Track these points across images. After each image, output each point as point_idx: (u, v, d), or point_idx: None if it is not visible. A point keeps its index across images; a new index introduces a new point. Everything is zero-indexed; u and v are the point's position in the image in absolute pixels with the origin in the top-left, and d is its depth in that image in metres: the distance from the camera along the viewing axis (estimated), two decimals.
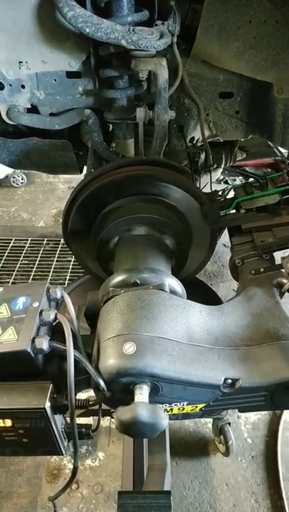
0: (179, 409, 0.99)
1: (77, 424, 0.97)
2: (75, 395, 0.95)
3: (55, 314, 0.97)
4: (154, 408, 0.82)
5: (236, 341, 0.99)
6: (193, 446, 2.23)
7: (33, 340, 0.90)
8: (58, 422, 0.97)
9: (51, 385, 0.93)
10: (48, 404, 0.90)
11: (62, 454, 1.03)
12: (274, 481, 2.06)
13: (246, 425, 2.31)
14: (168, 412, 1.00)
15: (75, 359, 0.90)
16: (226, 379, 0.92)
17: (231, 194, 1.45)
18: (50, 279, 3.18)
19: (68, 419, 0.97)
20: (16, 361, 0.91)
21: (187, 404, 0.97)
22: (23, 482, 2.05)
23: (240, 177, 3.65)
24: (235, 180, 3.88)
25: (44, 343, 0.90)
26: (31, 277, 3.21)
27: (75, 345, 0.94)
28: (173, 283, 1.15)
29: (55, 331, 1.00)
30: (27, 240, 3.60)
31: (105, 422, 2.23)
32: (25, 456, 2.02)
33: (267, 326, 1.03)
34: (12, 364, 0.92)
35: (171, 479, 1.91)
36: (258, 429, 2.29)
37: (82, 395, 1.02)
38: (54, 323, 0.98)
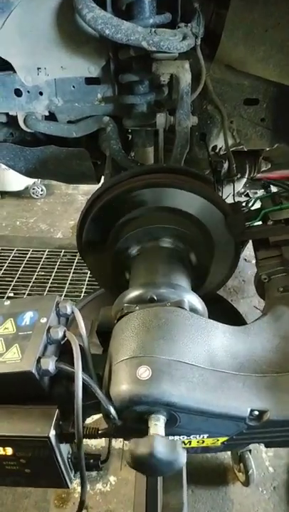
0: (198, 441, 0.89)
1: (85, 454, 0.88)
2: (84, 421, 0.86)
3: (64, 332, 0.89)
4: (173, 444, 0.72)
5: (263, 367, 0.89)
6: (210, 473, 2.09)
7: (38, 361, 0.83)
8: (64, 451, 0.88)
9: (57, 411, 0.85)
10: (52, 433, 0.82)
11: (68, 487, 0.94)
12: None
13: (268, 453, 2.17)
14: (185, 444, 0.89)
15: (83, 383, 0.81)
16: (252, 410, 0.82)
17: (257, 205, 1.35)
18: (66, 292, 3.13)
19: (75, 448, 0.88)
20: (19, 382, 0.84)
21: (208, 437, 0.87)
22: (30, 505, 1.96)
23: (262, 190, 3.54)
24: (256, 193, 3.76)
25: (50, 364, 0.83)
26: (47, 289, 3.16)
27: (85, 366, 0.85)
28: (193, 300, 1.05)
29: (64, 350, 0.93)
30: (44, 251, 3.58)
31: (118, 443, 2.12)
32: (28, 487, 1.92)
33: None
34: (15, 385, 0.85)
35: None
36: (281, 458, 2.14)
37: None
38: (62, 342, 0.90)
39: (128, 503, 1.95)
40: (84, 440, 0.85)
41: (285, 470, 2.10)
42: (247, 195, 3.80)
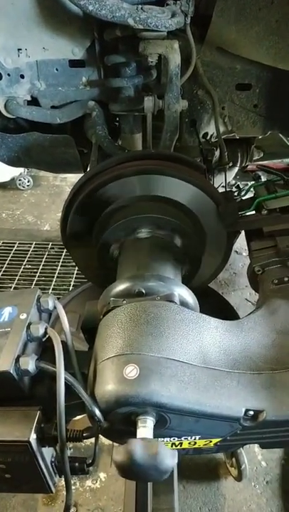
0: (189, 443, 0.84)
1: (70, 457, 0.83)
2: (67, 422, 0.81)
3: (45, 328, 0.83)
4: (173, 453, 0.67)
5: (259, 364, 0.84)
6: (202, 468, 2.06)
7: (17, 360, 0.77)
8: (47, 455, 0.83)
9: (38, 413, 0.80)
10: (33, 437, 0.77)
11: (52, 492, 0.89)
12: None
13: None
14: (176, 446, 0.85)
15: (66, 382, 0.76)
16: (247, 410, 0.77)
17: (249, 194, 1.30)
18: (54, 285, 3.07)
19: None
20: None
21: (200, 439, 0.82)
22: (18, 504, 1.91)
23: (253, 182, 3.50)
24: (247, 185, 3.72)
25: (30, 364, 0.77)
26: (34, 282, 3.09)
27: (68, 365, 0.80)
28: (184, 293, 1.00)
29: (46, 348, 0.87)
30: (31, 243, 3.50)
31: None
32: (9, 492, 1.85)
33: None
34: None
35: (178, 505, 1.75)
36: (273, 452, 2.11)
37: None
38: (44, 339, 0.84)
39: (118, 500, 1.91)
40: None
41: (277, 464, 2.08)
42: (238, 187, 3.75)
